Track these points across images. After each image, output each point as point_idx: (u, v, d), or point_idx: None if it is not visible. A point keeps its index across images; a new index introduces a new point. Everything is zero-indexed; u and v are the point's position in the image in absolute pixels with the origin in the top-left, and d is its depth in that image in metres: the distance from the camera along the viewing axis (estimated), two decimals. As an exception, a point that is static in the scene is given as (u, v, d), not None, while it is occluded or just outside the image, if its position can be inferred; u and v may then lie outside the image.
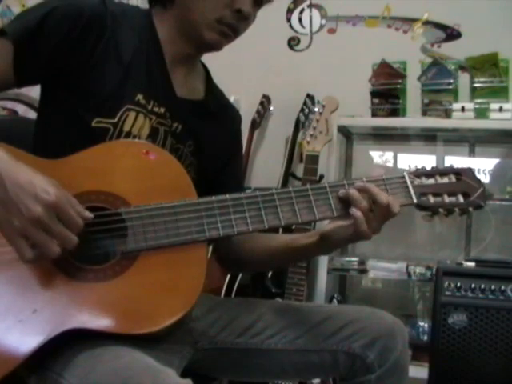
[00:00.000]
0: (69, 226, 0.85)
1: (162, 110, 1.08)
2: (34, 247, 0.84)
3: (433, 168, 1.07)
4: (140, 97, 1.05)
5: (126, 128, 1.03)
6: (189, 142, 1.14)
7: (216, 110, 1.20)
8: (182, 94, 1.12)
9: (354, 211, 0.99)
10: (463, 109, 2.28)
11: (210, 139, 1.18)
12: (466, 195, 1.05)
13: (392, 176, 1.04)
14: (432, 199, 1.03)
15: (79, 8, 1.00)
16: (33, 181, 0.83)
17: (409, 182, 1.04)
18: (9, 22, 1.02)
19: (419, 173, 1.06)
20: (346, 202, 1.01)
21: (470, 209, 1.05)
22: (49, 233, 0.83)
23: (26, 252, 0.83)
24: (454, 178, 1.06)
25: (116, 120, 1.02)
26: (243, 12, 1.05)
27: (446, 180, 1.06)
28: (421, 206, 1.04)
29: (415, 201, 1.03)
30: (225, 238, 1.00)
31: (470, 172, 1.07)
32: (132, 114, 1.04)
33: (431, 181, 1.05)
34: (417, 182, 1.04)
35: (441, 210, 1.04)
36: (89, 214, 0.89)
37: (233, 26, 1.07)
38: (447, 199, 1.04)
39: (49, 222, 0.83)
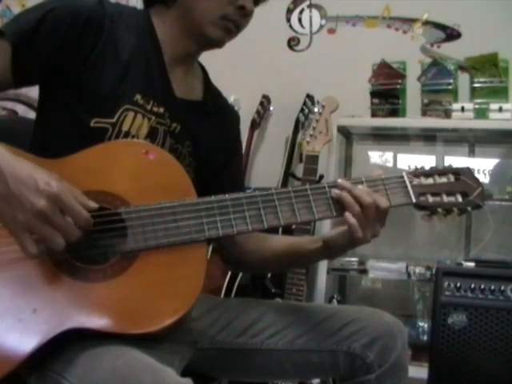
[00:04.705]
0: (74, 217, 0.85)
1: (162, 110, 1.08)
2: (39, 242, 0.84)
3: (431, 168, 1.07)
4: (138, 97, 1.05)
5: (125, 128, 1.03)
6: (187, 143, 1.14)
7: (214, 110, 1.20)
8: (181, 94, 1.12)
9: (348, 217, 0.98)
10: (463, 109, 2.29)
11: (208, 140, 1.17)
12: (464, 195, 1.05)
13: (391, 176, 1.04)
14: (431, 199, 1.03)
15: (77, 9, 1.00)
16: (34, 174, 0.83)
17: (408, 182, 1.04)
18: (7, 23, 1.02)
19: (418, 172, 1.06)
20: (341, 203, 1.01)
21: (469, 208, 1.05)
22: (52, 225, 0.83)
23: (31, 247, 0.83)
24: (452, 178, 1.06)
25: (114, 120, 1.02)
26: (246, 9, 1.07)
27: (444, 180, 1.06)
28: (419, 206, 1.04)
29: (414, 200, 1.03)
30: (225, 237, 0.99)
31: (468, 172, 1.07)
32: (130, 114, 1.04)
33: (430, 180, 1.05)
34: (415, 181, 1.04)
35: (439, 209, 1.04)
36: (93, 204, 0.89)
37: (236, 23, 1.08)
38: (446, 199, 1.04)
39: (52, 215, 0.83)
